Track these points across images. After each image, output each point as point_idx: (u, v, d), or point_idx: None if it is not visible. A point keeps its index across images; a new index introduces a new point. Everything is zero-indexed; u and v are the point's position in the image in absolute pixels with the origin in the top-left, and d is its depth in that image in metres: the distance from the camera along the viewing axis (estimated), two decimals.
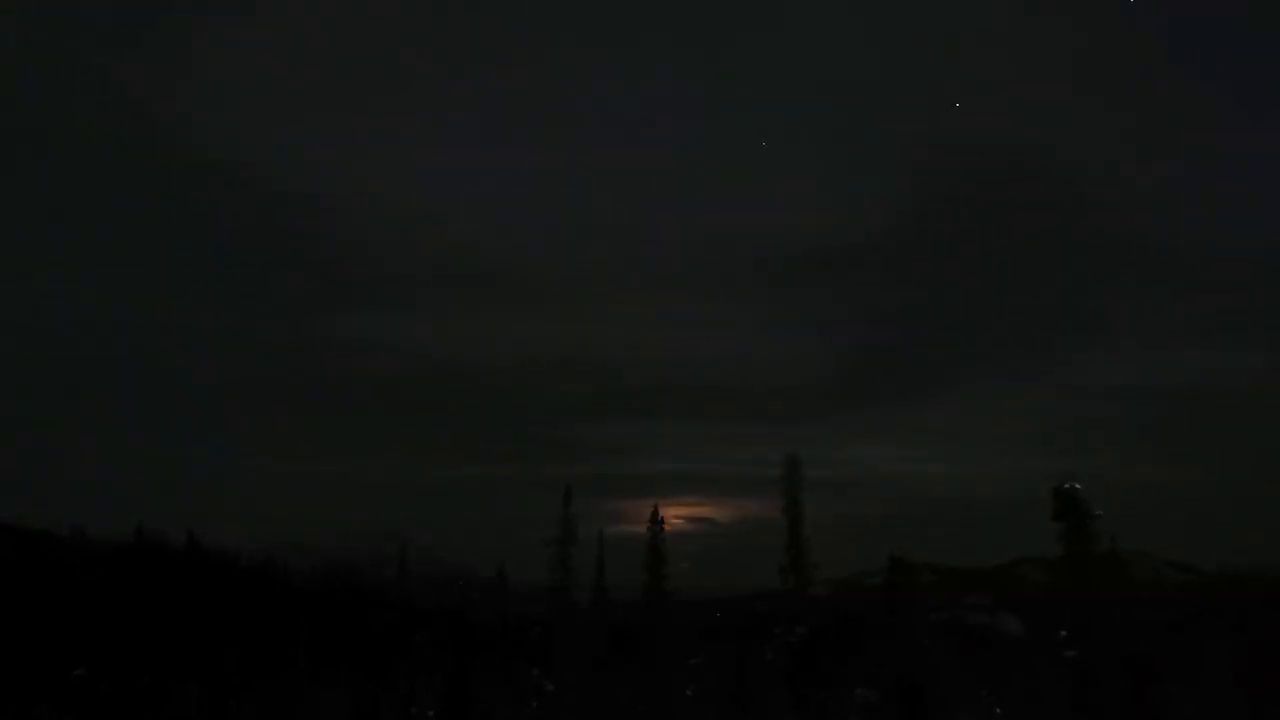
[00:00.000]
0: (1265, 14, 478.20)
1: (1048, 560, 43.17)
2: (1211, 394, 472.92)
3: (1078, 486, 41.30)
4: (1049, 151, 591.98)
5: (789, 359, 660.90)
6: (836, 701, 46.13)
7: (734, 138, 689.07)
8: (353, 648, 62.54)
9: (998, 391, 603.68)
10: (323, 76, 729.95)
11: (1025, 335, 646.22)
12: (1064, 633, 42.46)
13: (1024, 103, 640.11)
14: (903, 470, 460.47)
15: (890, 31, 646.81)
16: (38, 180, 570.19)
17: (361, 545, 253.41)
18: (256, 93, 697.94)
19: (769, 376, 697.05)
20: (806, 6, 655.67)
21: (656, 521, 49.96)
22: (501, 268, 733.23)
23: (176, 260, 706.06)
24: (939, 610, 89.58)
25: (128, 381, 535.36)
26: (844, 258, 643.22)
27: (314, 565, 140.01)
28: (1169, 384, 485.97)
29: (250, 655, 57.16)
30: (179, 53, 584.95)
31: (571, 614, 51.23)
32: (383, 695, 56.25)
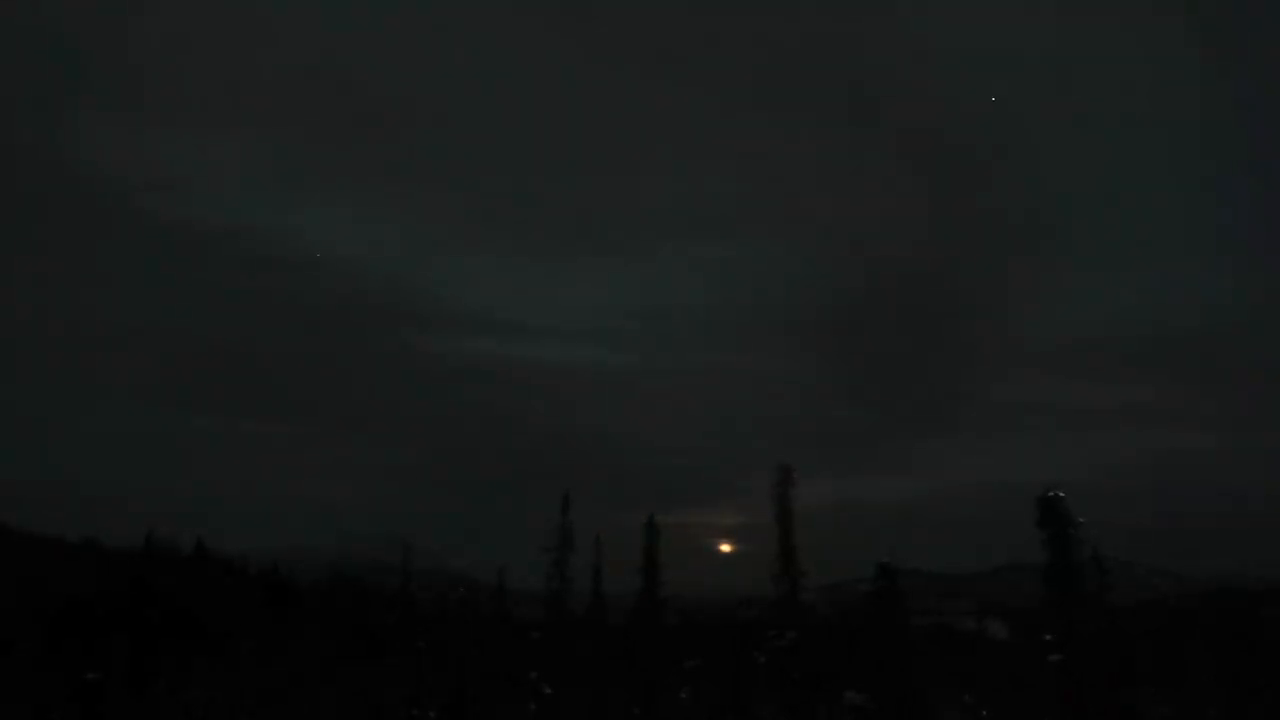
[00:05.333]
0: None
1: (1033, 567, 43.92)
2: None
3: (1061, 495, 42.34)
4: None
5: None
6: (826, 705, 47.12)
7: None
8: (356, 650, 63.63)
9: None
10: None
11: None
12: (1049, 638, 43.26)
13: None
14: (892, 477, 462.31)
15: None
16: None
17: (365, 550, 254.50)
18: None
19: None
20: None
21: (653, 528, 51.14)
22: None
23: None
24: (926, 616, 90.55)
25: (133, 388, 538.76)
26: None
27: (320, 570, 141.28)
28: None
29: (257, 658, 58.30)
30: None
31: (569, 618, 52.40)
32: (385, 697, 57.37)
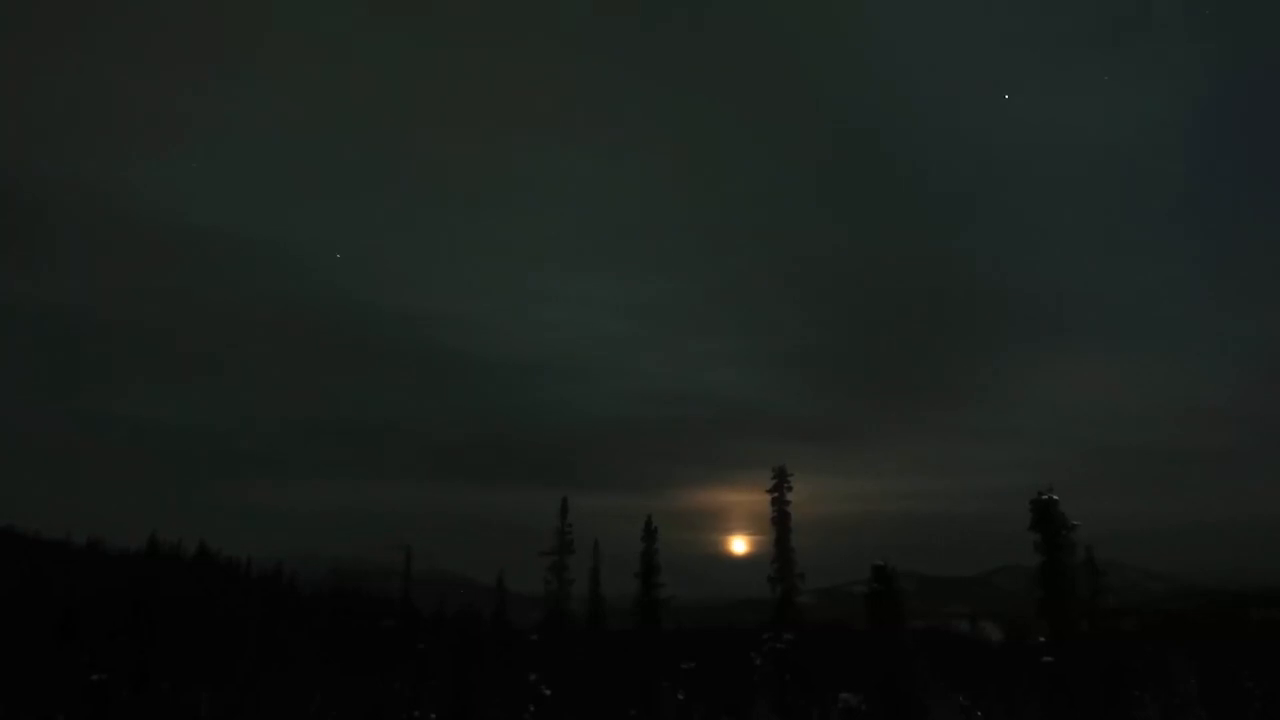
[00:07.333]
0: None
1: (1026, 569, 44.44)
2: None
3: (1054, 498, 42.78)
4: None
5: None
6: (821, 706, 47.46)
7: None
8: (358, 653, 64.02)
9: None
10: None
11: None
12: (1042, 640, 43.68)
13: None
14: (890, 481, 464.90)
15: None
16: None
17: (366, 553, 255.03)
18: None
19: None
20: None
21: (651, 532, 51.55)
22: None
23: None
24: (922, 617, 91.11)
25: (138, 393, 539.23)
26: None
27: (321, 574, 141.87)
28: None
29: (259, 660, 58.76)
30: None
31: (568, 621, 52.84)
32: (386, 699, 57.79)
